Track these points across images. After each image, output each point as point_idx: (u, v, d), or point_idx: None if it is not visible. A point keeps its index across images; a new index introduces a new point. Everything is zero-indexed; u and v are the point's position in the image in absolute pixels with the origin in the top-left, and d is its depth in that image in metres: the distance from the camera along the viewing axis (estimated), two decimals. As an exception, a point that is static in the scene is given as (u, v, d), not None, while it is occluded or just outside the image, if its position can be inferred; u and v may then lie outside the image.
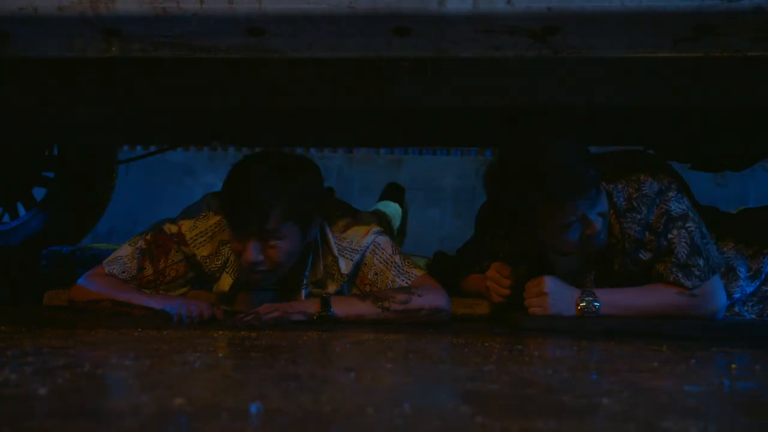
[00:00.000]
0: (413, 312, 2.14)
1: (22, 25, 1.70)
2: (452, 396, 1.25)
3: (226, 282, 2.24)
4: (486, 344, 1.79)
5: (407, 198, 3.55)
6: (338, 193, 2.82)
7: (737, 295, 2.33)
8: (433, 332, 2.02)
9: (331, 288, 2.23)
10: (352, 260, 2.22)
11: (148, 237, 2.26)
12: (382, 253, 2.23)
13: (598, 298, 2.14)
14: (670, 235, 2.15)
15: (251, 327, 2.00)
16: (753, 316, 2.37)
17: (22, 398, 1.09)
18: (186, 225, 2.25)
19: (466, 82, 2.06)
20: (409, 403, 1.12)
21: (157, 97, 2.14)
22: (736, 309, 2.35)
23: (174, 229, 2.25)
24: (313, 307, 2.11)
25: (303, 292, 2.22)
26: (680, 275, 2.14)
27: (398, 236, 3.17)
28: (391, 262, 2.23)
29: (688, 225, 2.15)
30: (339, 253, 2.22)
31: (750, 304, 2.37)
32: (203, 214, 2.26)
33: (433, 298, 2.17)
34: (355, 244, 2.23)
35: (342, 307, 2.12)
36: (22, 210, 3.79)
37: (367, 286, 2.23)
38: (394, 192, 3.48)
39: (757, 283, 2.36)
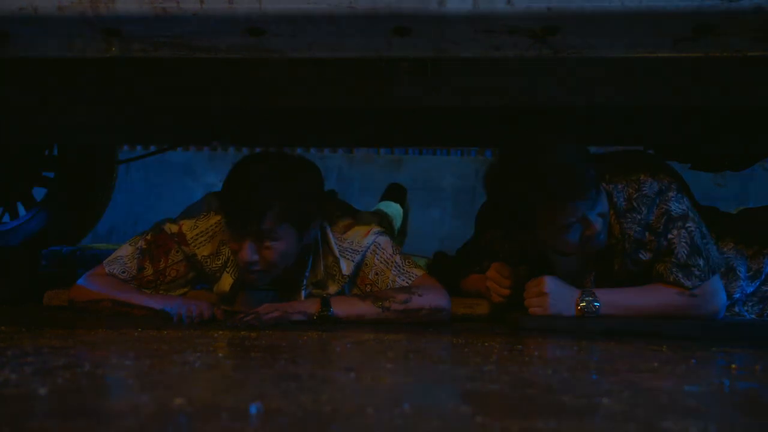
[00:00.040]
0: (413, 312, 2.14)
1: (22, 25, 1.70)
2: (452, 396, 1.25)
3: (226, 282, 2.24)
4: (486, 344, 1.79)
5: (407, 198, 3.55)
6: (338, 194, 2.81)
7: (737, 295, 2.33)
8: (433, 332, 2.02)
9: (332, 289, 2.23)
10: (353, 261, 2.22)
11: (149, 237, 2.26)
12: (383, 253, 2.23)
13: (598, 298, 2.14)
14: (670, 235, 2.15)
15: (251, 327, 2.00)
16: (753, 316, 2.36)
17: (22, 398, 1.09)
18: (187, 224, 2.25)
19: (466, 82, 2.06)
20: (409, 403, 1.12)
21: (157, 97, 2.14)
22: (736, 309, 2.35)
23: (175, 228, 2.25)
24: (313, 307, 2.11)
25: (303, 293, 2.22)
26: (680, 275, 2.14)
27: (399, 236, 3.16)
28: (392, 262, 2.23)
29: (688, 225, 2.15)
30: (340, 254, 2.22)
31: (750, 304, 2.37)
32: (204, 213, 2.26)
33: (434, 298, 2.17)
34: (356, 244, 2.23)
35: (342, 307, 2.12)
36: (22, 210, 3.79)
37: (368, 286, 2.23)
38: (396, 192, 3.47)
39: (757, 283, 2.36)
